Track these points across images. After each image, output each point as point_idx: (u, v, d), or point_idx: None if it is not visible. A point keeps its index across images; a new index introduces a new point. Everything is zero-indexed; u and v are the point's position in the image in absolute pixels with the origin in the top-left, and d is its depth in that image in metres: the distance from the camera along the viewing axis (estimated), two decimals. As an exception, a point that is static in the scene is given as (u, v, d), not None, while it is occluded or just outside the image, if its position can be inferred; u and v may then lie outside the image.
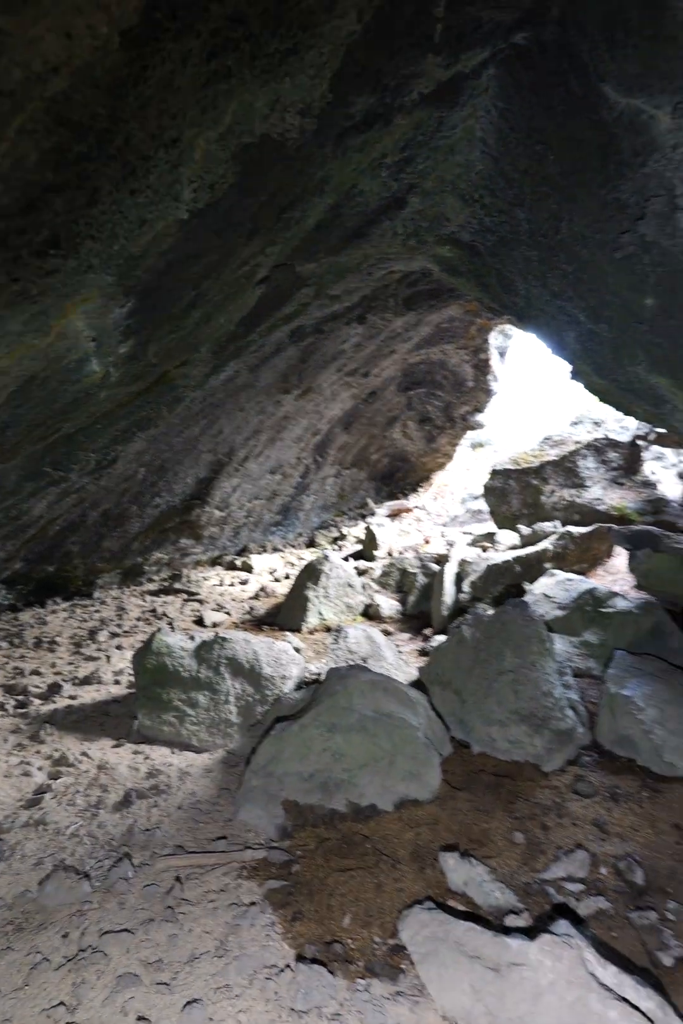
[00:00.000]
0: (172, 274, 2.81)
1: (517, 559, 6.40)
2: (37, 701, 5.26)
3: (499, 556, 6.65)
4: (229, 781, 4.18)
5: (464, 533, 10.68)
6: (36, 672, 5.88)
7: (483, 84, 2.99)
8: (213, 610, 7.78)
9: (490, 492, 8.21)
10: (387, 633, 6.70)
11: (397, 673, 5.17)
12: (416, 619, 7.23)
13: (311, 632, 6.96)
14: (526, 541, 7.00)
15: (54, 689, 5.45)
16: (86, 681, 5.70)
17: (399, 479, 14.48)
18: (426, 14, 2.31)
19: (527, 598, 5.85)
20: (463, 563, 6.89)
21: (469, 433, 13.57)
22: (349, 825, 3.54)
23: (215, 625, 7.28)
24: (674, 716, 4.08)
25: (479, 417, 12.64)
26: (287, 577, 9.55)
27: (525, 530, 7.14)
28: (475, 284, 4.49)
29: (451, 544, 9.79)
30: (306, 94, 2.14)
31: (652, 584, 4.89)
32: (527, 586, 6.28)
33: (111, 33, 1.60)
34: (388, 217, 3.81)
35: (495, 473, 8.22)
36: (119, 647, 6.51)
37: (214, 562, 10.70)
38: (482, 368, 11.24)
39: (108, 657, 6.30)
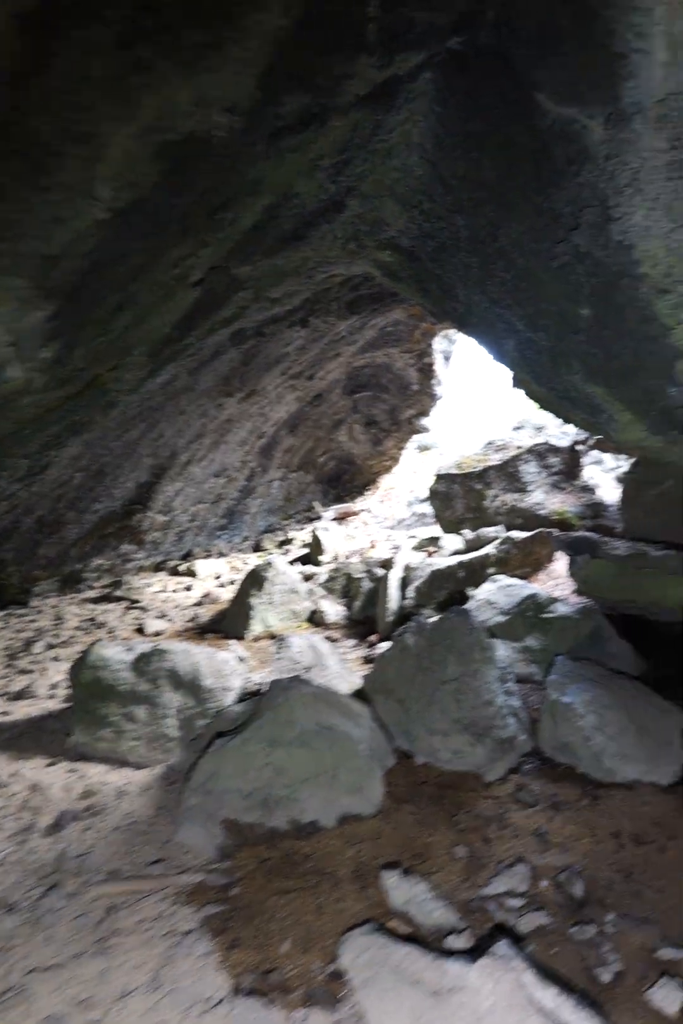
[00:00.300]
0: (97, 275, 2.67)
1: (461, 564, 6.42)
2: (-37, 721, 5.00)
3: (443, 561, 6.65)
4: (168, 799, 4.04)
5: (410, 536, 10.69)
6: (-36, 689, 5.60)
7: (419, 88, 2.94)
8: (155, 618, 7.58)
9: (435, 496, 8.23)
10: (332, 640, 6.64)
11: (341, 682, 5.10)
12: (362, 625, 7.18)
13: (256, 640, 6.84)
14: (470, 546, 7.03)
15: (-18, 707, 5.19)
16: (20, 696, 5.46)
17: (346, 482, 14.44)
18: (359, 12, 2.24)
19: (470, 604, 5.87)
20: (408, 568, 6.87)
21: (415, 436, 13.62)
22: (290, 843, 3.45)
23: (157, 634, 7.09)
24: (612, 721, 4.12)
25: (424, 421, 12.70)
26: (232, 583, 9.39)
27: (469, 534, 7.18)
28: (416, 289, 4.45)
29: (397, 548, 9.79)
30: (232, 91, 2.04)
31: (590, 589, 4.95)
32: (471, 592, 6.30)
33: (5, 18, 1.48)
34: (326, 220, 3.73)
35: (439, 477, 8.25)
36: (56, 658, 6.26)
37: (157, 568, 10.45)
38: (427, 372, 11.29)
39: (44, 669, 6.05)
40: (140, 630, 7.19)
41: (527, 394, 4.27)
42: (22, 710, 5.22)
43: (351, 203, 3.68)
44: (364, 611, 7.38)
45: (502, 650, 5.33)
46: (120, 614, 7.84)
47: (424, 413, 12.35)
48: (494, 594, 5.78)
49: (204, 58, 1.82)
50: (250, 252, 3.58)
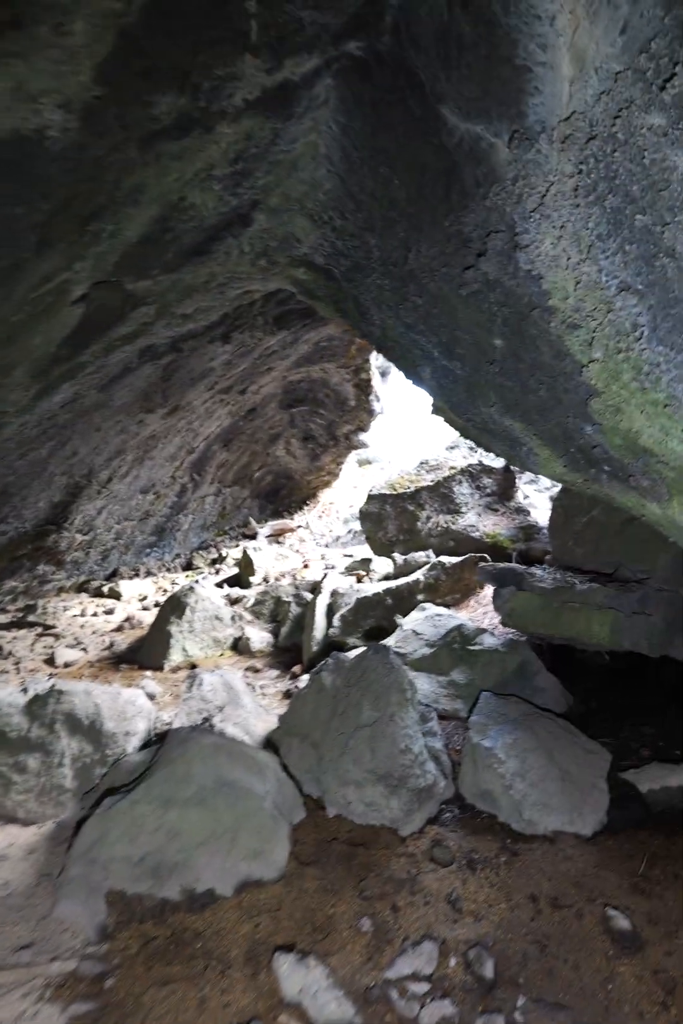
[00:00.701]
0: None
1: (388, 591, 6.20)
2: None
3: (370, 588, 6.42)
4: (53, 863, 3.67)
5: (345, 555, 10.47)
6: None
7: (320, 96, 2.69)
8: (68, 646, 7.12)
9: (366, 517, 8.01)
10: (255, 670, 6.33)
11: (257, 722, 4.80)
12: (288, 652, 6.89)
13: (174, 670, 6.47)
14: (399, 571, 6.82)
15: None
16: None
17: (284, 497, 14.14)
18: (236, 7, 1.98)
19: (396, 635, 5.65)
20: (335, 595, 6.62)
21: (354, 452, 13.43)
22: (181, 917, 3.13)
23: (68, 665, 6.64)
24: (535, 767, 3.93)
25: (363, 437, 12.51)
26: (156, 606, 8.97)
27: (399, 558, 6.97)
28: (333, 309, 4.21)
29: (330, 568, 9.55)
30: (59, 83, 1.75)
31: (516, 622, 4.78)
32: (398, 620, 6.09)
33: None
34: (232, 234, 3.45)
35: (371, 498, 8.03)
36: (-51, 698, 5.76)
37: (80, 588, 9.94)
38: (364, 388, 11.11)
39: (-67, 711, 5.53)
40: (51, 660, 6.73)
41: (447, 422, 4.07)
42: None
43: (258, 217, 3.41)
44: (291, 637, 7.09)
45: (426, 685, 5.12)
46: (31, 642, 7.34)
47: (362, 429, 12.16)
48: (421, 624, 5.57)
49: (7, 40, 1.53)
50: (145, 267, 3.27)
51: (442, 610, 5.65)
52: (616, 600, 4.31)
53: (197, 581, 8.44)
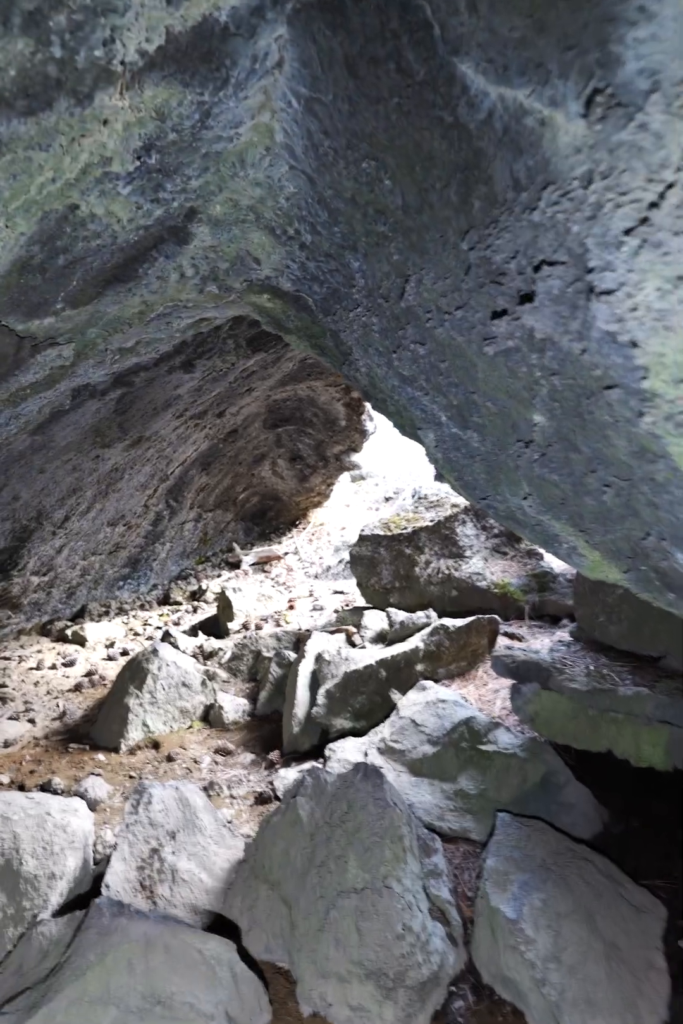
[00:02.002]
0: None
1: (382, 662, 5.26)
2: None
3: (361, 656, 5.49)
4: None
5: (335, 591, 9.54)
6: None
7: (270, 53, 1.77)
8: (12, 717, 6.17)
9: (358, 561, 7.07)
10: (226, 752, 5.40)
11: (216, 852, 3.87)
12: (267, 722, 5.96)
13: (132, 751, 5.54)
14: (394, 635, 5.89)
15: None
16: None
17: (271, 518, 13.21)
18: None
19: (392, 723, 4.72)
20: (320, 660, 5.68)
21: (346, 474, 12.53)
22: None
23: (7, 744, 5.70)
24: (572, 941, 3.01)
25: (354, 457, 11.59)
26: (124, 654, 8.03)
27: (396, 618, 6.04)
28: (308, 345, 3.29)
29: (318, 609, 8.62)
30: None
31: (540, 729, 3.86)
32: (395, 697, 5.16)
33: None
34: (164, 254, 2.53)
35: (363, 539, 7.09)
36: None
37: (43, 629, 8.99)
38: (355, 407, 10.17)
39: None
40: (-10, 738, 5.78)
41: (457, 492, 3.14)
42: None
43: (198, 231, 2.49)
44: (271, 703, 6.17)
45: (428, 795, 4.20)
46: (-28, 710, 6.40)
47: (354, 449, 11.23)
48: (421, 712, 4.64)
49: None
50: (38, 302, 2.33)
51: (447, 694, 4.72)
52: (671, 710, 3.40)
53: (168, 633, 7.51)
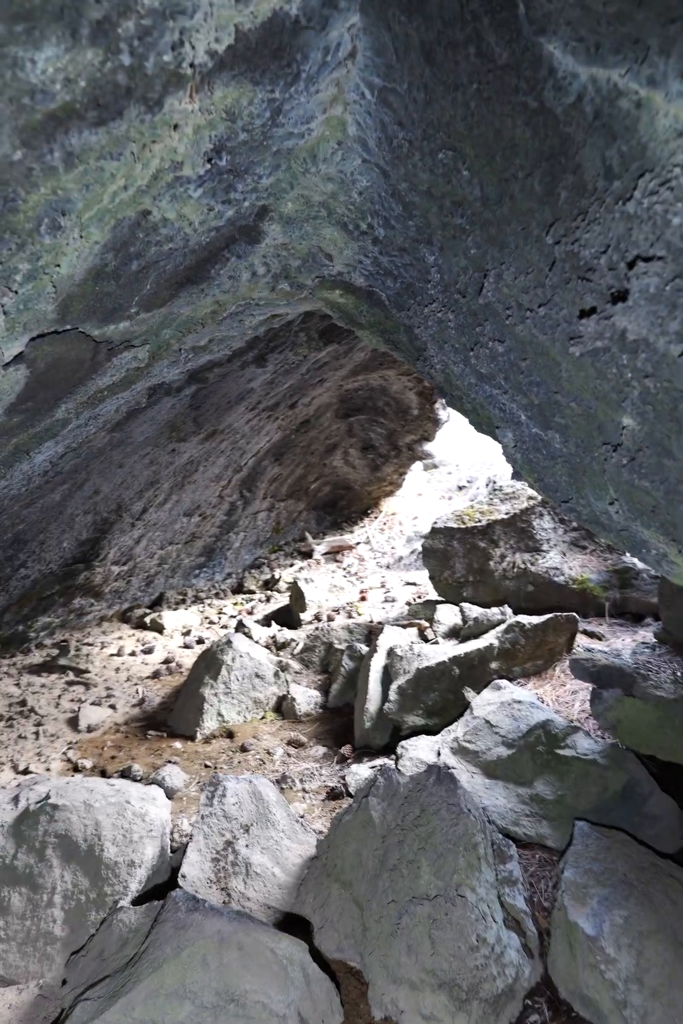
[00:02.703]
0: None
1: (455, 659, 5.16)
2: None
3: (433, 652, 5.40)
4: (23, 1066, 2.86)
5: (407, 582, 9.46)
6: None
7: (342, 44, 1.70)
8: (95, 703, 6.39)
9: (430, 554, 6.96)
10: (298, 745, 5.42)
11: (289, 846, 3.88)
12: (339, 715, 5.96)
13: (207, 740, 5.65)
14: (468, 631, 5.77)
15: None
16: None
17: (343, 507, 13.20)
18: None
19: (465, 723, 4.62)
20: (392, 655, 5.62)
21: (418, 463, 12.38)
22: None
23: (91, 728, 5.91)
24: (657, 963, 2.86)
25: (427, 447, 11.42)
26: (200, 642, 8.20)
27: (469, 612, 5.91)
28: (382, 340, 3.22)
29: (390, 601, 8.57)
30: None
31: (623, 738, 3.68)
32: (468, 695, 5.05)
33: None
34: (236, 254, 2.50)
35: (436, 532, 6.97)
36: (-46, 776, 5.10)
37: (123, 616, 9.30)
38: (427, 396, 10.00)
39: (-66, 795, 4.87)
40: (74, 722, 6.01)
41: (536, 492, 3.01)
42: None
43: (269, 229, 2.45)
44: (343, 696, 6.16)
45: (503, 799, 4.10)
46: (58, 694, 6.66)
47: (426, 438, 11.07)
48: (496, 712, 4.52)
49: None
50: (113, 307, 2.35)
51: (522, 694, 4.58)
52: None
53: (242, 622, 7.62)
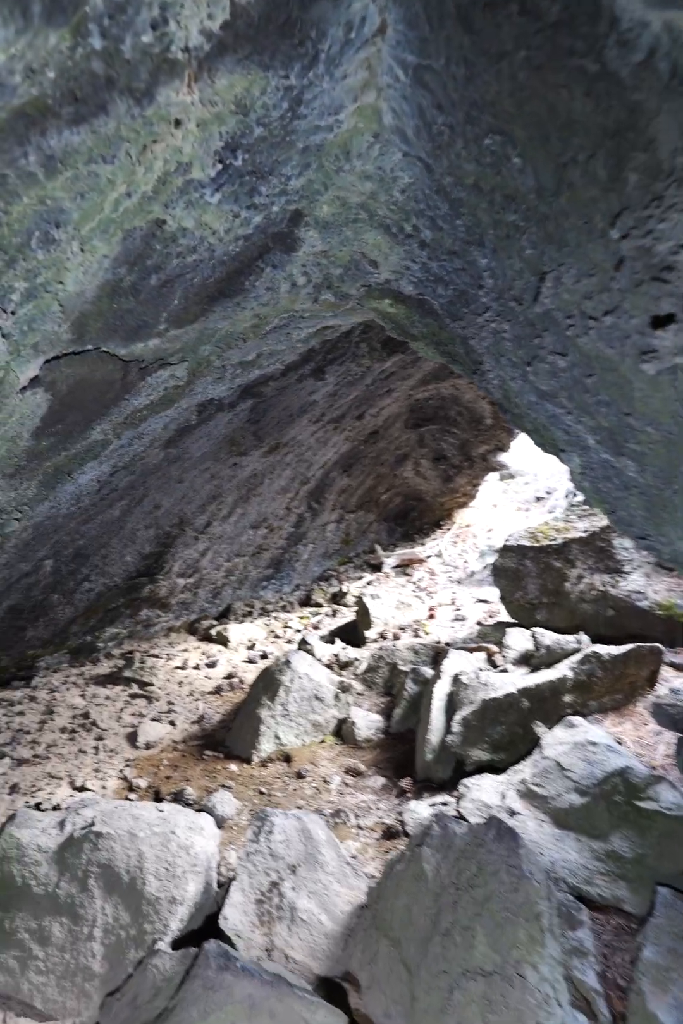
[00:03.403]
0: None
1: (524, 691, 4.78)
2: None
3: (500, 681, 5.03)
4: None
5: (478, 599, 9.05)
6: None
7: (369, 17, 1.47)
8: (155, 719, 6.34)
9: (501, 573, 6.58)
10: (356, 773, 5.17)
11: (338, 891, 3.64)
12: (400, 743, 5.67)
13: (264, 764, 5.47)
14: (539, 660, 5.37)
15: None
16: (-54, 859, 4.30)
17: (414, 519, 12.89)
18: None
19: (534, 762, 4.26)
20: (457, 682, 5.29)
21: (492, 474, 11.93)
22: None
23: (149, 745, 5.86)
24: None
25: (502, 457, 10.97)
26: (264, 657, 8.08)
27: (542, 638, 5.52)
28: (439, 353, 2.95)
29: (460, 619, 8.20)
30: None
31: (713, 795, 3.26)
32: (539, 729, 4.67)
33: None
34: (270, 264, 2.30)
35: (507, 550, 6.58)
36: (13, 789, 5.11)
37: (191, 627, 9.31)
38: (502, 404, 9.58)
39: (-7, 808, 4.91)
40: (133, 738, 5.97)
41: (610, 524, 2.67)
42: (-63, 889, 4.04)
43: (306, 235, 2.23)
44: (405, 722, 5.86)
45: (574, 853, 3.72)
46: (120, 707, 6.66)
47: (501, 448, 10.62)
48: (569, 754, 4.14)
49: None
50: (137, 324, 2.19)
51: (598, 735, 4.17)
52: None
53: (305, 640, 7.45)
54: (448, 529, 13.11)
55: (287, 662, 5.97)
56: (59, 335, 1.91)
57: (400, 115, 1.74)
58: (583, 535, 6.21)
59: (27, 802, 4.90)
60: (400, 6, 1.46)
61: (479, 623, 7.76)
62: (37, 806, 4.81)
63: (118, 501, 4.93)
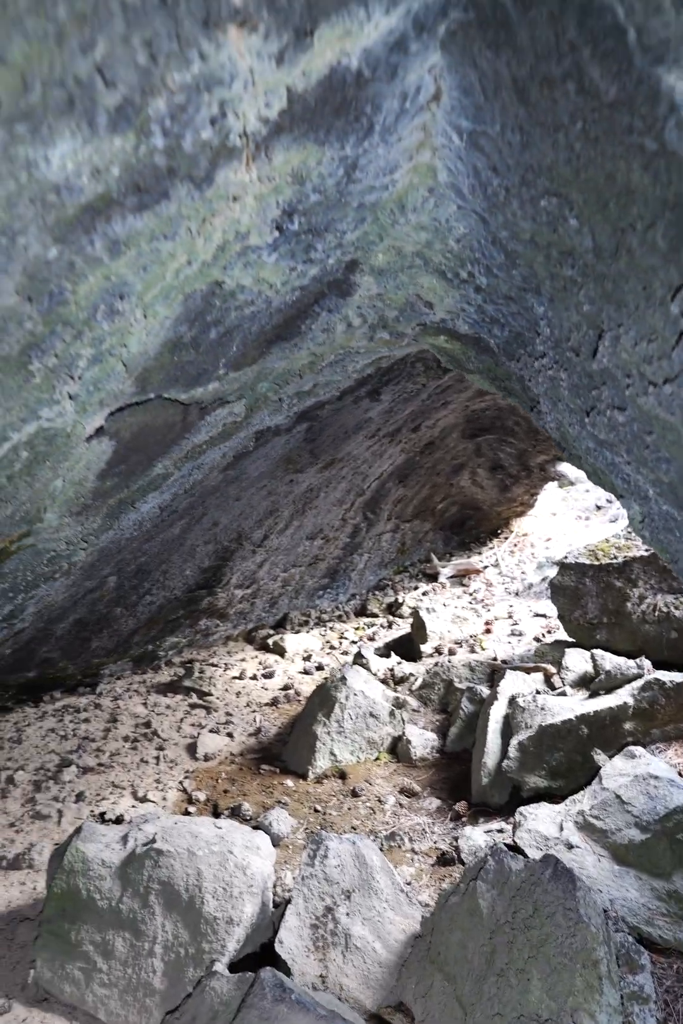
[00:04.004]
0: None
1: (583, 718, 4.68)
2: (-62, 908, 4.08)
3: (558, 707, 4.94)
4: None
5: (535, 614, 8.90)
6: (-33, 841, 4.74)
7: (424, 87, 1.47)
8: (212, 731, 6.47)
9: (559, 592, 6.45)
10: (411, 794, 5.17)
11: (392, 918, 3.65)
12: (456, 763, 5.63)
13: (319, 780, 5.52)
14: (599, 685, 5.24)
15: (-34, 884, 4.27)
16: (15, 864, 4.48)
17: (471, 528, 12.76)
18: None
19: (592, 793, 4.17)
20: (514, 704, 5.22)
21: (550, 484, 11.71)
22: None
23: (207, 757, 5.98)
24: None
25: (561, 467, 10.75)
26: (319, 669, 8.14)
27: (602, 662, 5.39)
28: (495, 386, 2.94)
29: (517, 635, 8.08)
30: None
31: None
32: (598, 758, 4.57)
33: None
34: (325, 308, 2.34)
35: (566, 568, 6.45)
36: (80, 797, 5.30)
37: (249, 636, 9.46)
38: (561, 414, 9.39)
39: (60, 815, 5.09)
40: (192, 749, 6.11)
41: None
42: (5, 894, 4.22)
43: (361, 281, 2.26)
44: (461, 740, 5.82)
45: (634, 891, 3.64)
46: (180, 717, 6.82)
47: (560, 458, 10.41)
48: (629, 787, 4.03)
49: None
50: (197, 373, 2.25)
51: (661, 768, 4.05)
52: None
53: (360, 653, 7.48)
54: (505, 538, 12.92)
55: (342, 678, 6.00)
56: (122, 391, 1.99)
57: (455, 174, 1.74)
58: (645, 554, 6.04)
59: (92, 811, 5.08)
60: (455, 74, 1.46)
61: (537, 639, 7.64)
62: (102, 816, 4.98)
63: (178, 520, 5.06)
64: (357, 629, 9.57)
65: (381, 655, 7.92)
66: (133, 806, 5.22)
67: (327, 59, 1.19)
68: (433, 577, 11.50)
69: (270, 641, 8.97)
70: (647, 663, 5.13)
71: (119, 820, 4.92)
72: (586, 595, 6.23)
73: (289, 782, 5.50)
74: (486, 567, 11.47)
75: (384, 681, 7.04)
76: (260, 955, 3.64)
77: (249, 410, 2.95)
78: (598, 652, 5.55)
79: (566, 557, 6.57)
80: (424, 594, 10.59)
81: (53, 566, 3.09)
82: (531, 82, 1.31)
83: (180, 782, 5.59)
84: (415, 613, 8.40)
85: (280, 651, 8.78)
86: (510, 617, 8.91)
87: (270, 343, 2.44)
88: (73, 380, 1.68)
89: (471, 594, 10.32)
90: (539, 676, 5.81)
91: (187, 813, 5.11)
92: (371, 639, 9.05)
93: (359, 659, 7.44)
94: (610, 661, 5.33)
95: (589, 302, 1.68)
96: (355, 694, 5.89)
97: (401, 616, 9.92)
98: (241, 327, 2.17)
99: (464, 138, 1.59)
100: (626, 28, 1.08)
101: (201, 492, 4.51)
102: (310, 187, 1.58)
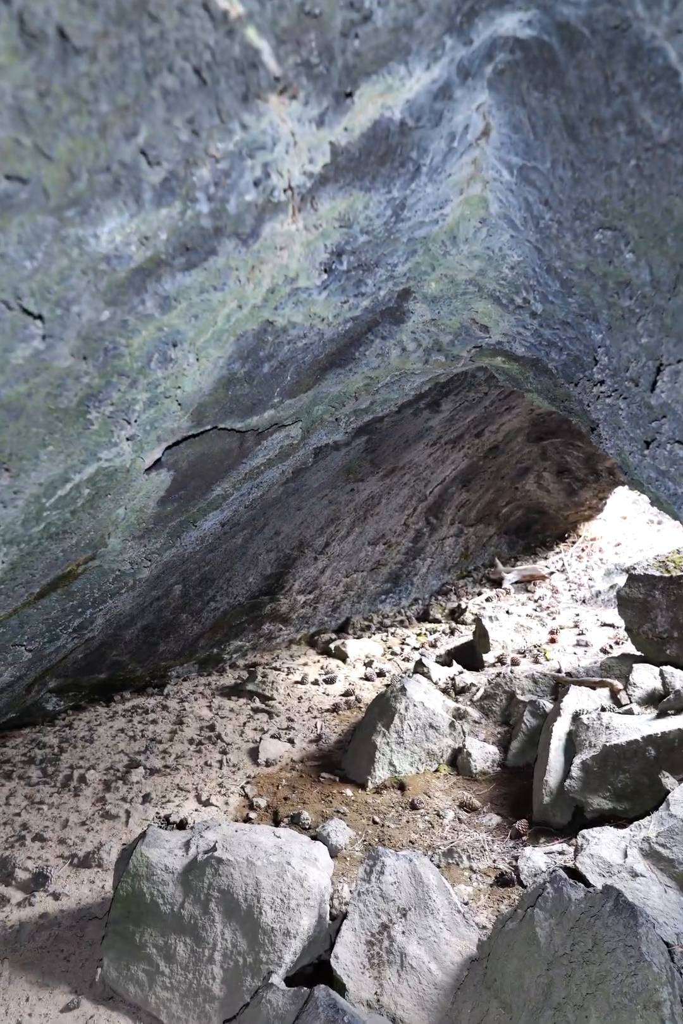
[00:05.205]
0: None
1: (651, 740, 4.52)
2: (12, 902, 4.29)
3: (624, 727, 4.78)
4: None
5: (602, 623, 8.63)
6: (40, 837, 4.95)
7: (472, 125, 1.45)
8: (274, 736, 6.55)
9: (627, 604, 6.24)
10: (470, 809, 5.10)
11: (448, 939, 3.62)
12: (517, 778, 5.53)
13: (378, 791, 5.52)
14: (668, 704, 5.05)
15: (40, 880, 4.45)
16: (85, 863, 4.66)
17: (537, 532, 12.50)
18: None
19: (659, 820, 4.02)
20: (577, 721, 5.09)
21: (619, 489, 11.33)
22: None
23: (269, 763, 6.06)
24: None
25: (631, 471, 10.38)
26: (380, 675, 8.13)
27: (672, 679, 5.19)
28: (555, 405, 2.87)
29: (582, 645, 7.86)
30: None
31: None
32: (667, 781, 4.40)
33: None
34: (379, 335, 2.34)
35: (634, 580, 6.23)
36: (146, 798, 5.46)
37: (311, 639, 9.54)
38: (631, 418, 9.08)
39: (128, 815, 5.26)
40: (254, 754, 6.21)
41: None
42: (78, 891, 4.40)
43: (414, 308, 2.25)
44: (523, 755, 5.71)
45: (705, 926, 3.48)
46: (243, 721, 6.94)
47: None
48: (698, 814, 3.87)
49: None
50: (252, 403, 2.29)
51: (733, 797, 3.88)
52: None
53: (421, 661, 7.43)
54: (572, 542, 12.59)
55: (402, 689, 5.97)
56: (179, 426, 2.04)
57: (506, 206, 1.71)
58: (721, 566, 5.78)
59: (157, 813, 5.23)
60: (504, 111, 1.44)
61: (603, 651, 7.41)
62: (167, 818, 5.12)
63: (240, 532, 5.14)
64: (419, 635, 9.51)
65: (442, 663, 7.84)
66: (196, 810, 5.35)
67: (369, 115, 1.19)
68: (497, 583, 11.32)
69: (332, 646, 9.02)
70: (721, 682, 4.91)
71: (183, 824, 5.04)
72: (655, 608, 6.01)
73: (348, 791, 5.52)
74: (552, 573, 11.21)
75: (445, 690, 6.98)
76: (316, 967, 3.67)
77: (306, 431, 2.97)
78: (668, 669, 5.35)
79: (634, 567, 6.34)
80: (487, 600, 10.43)
81: (119, 583, 3.20)
82: (581, 121, 1.28)
83: (242, 787, 5.68)
84: (478, 621, 8.29)
85: (342, 656, 8.81)
86: (576, 626, 8.68)
87: (324, 370, 2.46)
88: (130, 424, 1.73)
89: (536, 601, 10.10)
90: (605, 691, 5.65)
91: (248, 819, 5.20)
92: (433, 646, 8.98)
93: (420, 668, 7.39)
94: (680, 679, 5.12)
95: (648, 334, 1.62)
96: (415, 705, 5.86)
97: (464, 622, 9.80)
98: (294, 359, 2.19)
99: (515, 173, 1.56)
100: (678, 71, 1.04)
101: (262, 505, 4.58)
102: (358, 229, 1.58)
